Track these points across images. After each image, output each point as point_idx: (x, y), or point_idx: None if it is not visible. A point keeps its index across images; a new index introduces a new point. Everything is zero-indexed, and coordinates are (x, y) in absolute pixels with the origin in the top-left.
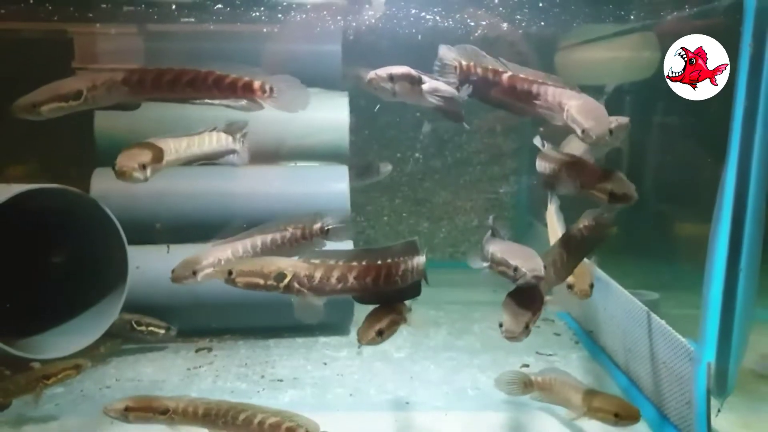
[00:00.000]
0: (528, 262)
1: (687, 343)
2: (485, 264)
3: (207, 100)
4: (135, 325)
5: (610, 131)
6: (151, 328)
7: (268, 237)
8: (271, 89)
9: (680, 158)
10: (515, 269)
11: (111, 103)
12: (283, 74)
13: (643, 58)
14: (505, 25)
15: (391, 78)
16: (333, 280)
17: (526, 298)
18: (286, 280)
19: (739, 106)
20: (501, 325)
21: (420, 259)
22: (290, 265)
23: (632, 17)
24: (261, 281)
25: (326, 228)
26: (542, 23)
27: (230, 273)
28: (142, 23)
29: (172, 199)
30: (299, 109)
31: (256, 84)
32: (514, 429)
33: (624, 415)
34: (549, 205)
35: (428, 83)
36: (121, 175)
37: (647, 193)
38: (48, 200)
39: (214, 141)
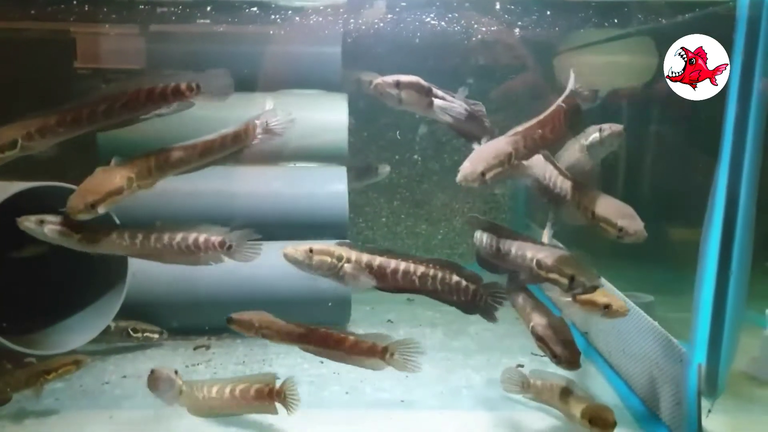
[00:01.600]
0: (584, 272)
1: (678, 345)
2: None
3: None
4: (131, 333)
5: (602, 141)
6: (146, 334)
7: (167, 236)
8: (197, 86)
9: (675, 162)
10: (572, 278)
11: (51, 144)
12: (212, 70)
13: (640, 63)
14: (503, 29)
15: (398, 85)
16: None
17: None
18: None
19: (730, 111)
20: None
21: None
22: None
23: (630, 22)
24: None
25: (228, 244)
26: (540, 28)
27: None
28: (144, 24)
29: (172, 198)
30: (225, 97)
31: (183, 86)
32: (507, 428)
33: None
34: (545, 230)
35: (439, 102)
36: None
37: (642, 196)
38: (49, 199)
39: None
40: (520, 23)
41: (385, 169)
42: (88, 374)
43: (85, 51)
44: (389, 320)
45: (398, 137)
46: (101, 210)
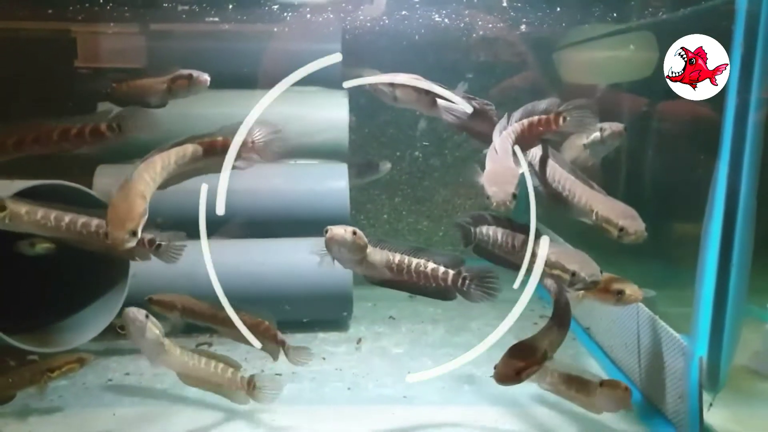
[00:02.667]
0: (586, 267)
1: (680, 338)
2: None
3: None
4: (120, 330)
5: (603, 140)
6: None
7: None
8: (119, 126)
9: (676, 157)
10: (573, 274)
11: None
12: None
13: (640, 58)
14: (504, 25)
15: (392, 83)
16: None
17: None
18: None
19: (730, 105)
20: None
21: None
22: None
23: (630, 17)
24: None
25: (157, 243)
26: (540, 23)
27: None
28: (143, 22)
29: (173, 195)
30: (146, 132)
31: (103, 126)
32: (508, 423)
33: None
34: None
35: (443, 102)
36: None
37: (644, 191)
38: (51, 197)
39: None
40: (520, 19)
41: (386, 166)
42: (91, 372)
43: (86, 50)
44: (391, 317)
45: (401, 134)
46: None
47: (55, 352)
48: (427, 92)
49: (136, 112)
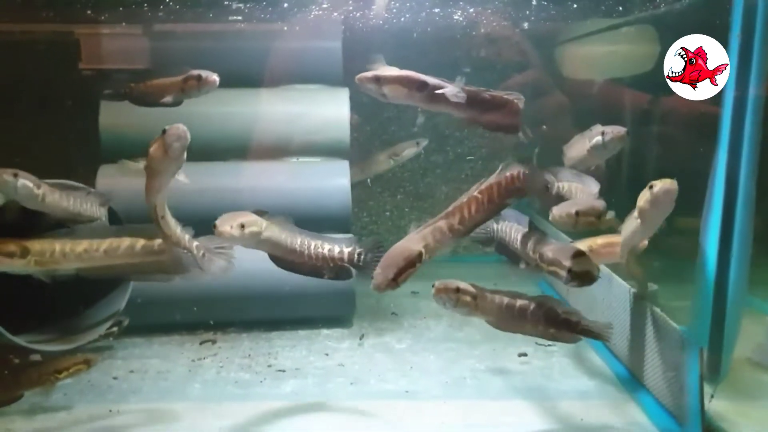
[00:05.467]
0: (581, 263)
1: (680, 330)
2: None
3: None
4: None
5: (605, 144)
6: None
7: None
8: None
9: (676, 150)
10: (569, 270)
11: None
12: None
13: (641, 52)
14: (508, 24)
15: (378, 80)
16: None
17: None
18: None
19: (729, 96)
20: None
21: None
22: None
23: (630, 10)
24: None
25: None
26: (541, 19)
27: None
28: (146, 23)
29: (175, 194)
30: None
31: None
32: (513, 418)
33: None
34: None
35: (441, 91)
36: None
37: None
38: None
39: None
40: (522, 15)
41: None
42: (96, 369)
43: (90, 52)
44: (393, 313)
45: (403, 131)
46: None
47: (57, 351)
48: (421, 87)
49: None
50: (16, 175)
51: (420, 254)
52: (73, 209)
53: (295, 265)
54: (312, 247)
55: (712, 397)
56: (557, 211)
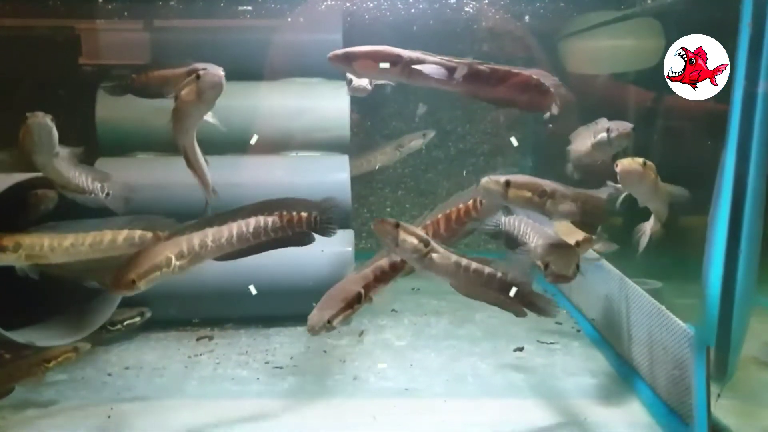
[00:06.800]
0: (559, 261)
1: (687, 328)
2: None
3: None
4: (110, 327)
5: (610, 141)
6: (126, 323)
7: None
8: None
9: (683, 146)
10: (546, 266)
11: None
12: None
13: (645, 45)
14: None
15: (347, 57)
16: None
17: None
18: None
19: (738, 89)
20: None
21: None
22: None
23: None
24: None
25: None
26: (544, 13)
27: None
28: (144, 18)
29: (173, 189)
30: None
31: None
32: (514, 416)
33: None
34: None
35: (417, 67)
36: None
37: None
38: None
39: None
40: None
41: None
42: (90, 366)
43: (90, 47)
44: (393, 310)
45: (405, 126)
46: None
47: (51, 347)
48: (396, 61)
49: None
50: (53, 120)
51: (359, 295)
52: (71, 179)
53: (252, 248)
54: (270, 224)
55: (718, 396)
56: (485, 179)
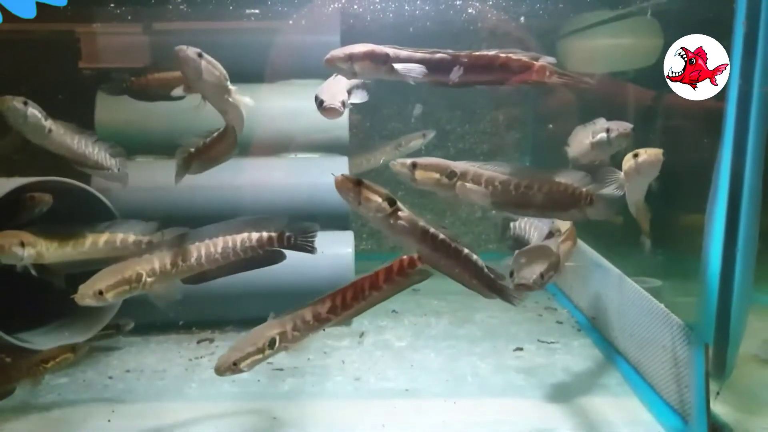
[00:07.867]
0: (525, 270)
1: (685, 326)
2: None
3: None
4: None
5: (609, 141)
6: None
7: None
8: None
9: (681, 146)
10: (511, 273)
11: None
12: None
13: (644, 44)
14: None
15: (350, 58)
16: None
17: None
18: None
19: (733, 86)
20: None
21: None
22: None
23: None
24: None
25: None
26: (543, 12)
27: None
28: (143, 20)
29: (173, 191)
30: None
31: None
32: (514, 416)
33: None
34: None
35: (399, 66)
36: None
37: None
38: (49, 193)
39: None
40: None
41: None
42: (91, 369)
43: (89, 50)
44: (394, 310)
45: (404, 127)
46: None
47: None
48: (385, 60)
49: None
50: (26, 103)
51: (273, 341)
52: (77, 149)
53: (224, 268)
54: (239, 243)
55: (717, 394)
56: (393, 162)
